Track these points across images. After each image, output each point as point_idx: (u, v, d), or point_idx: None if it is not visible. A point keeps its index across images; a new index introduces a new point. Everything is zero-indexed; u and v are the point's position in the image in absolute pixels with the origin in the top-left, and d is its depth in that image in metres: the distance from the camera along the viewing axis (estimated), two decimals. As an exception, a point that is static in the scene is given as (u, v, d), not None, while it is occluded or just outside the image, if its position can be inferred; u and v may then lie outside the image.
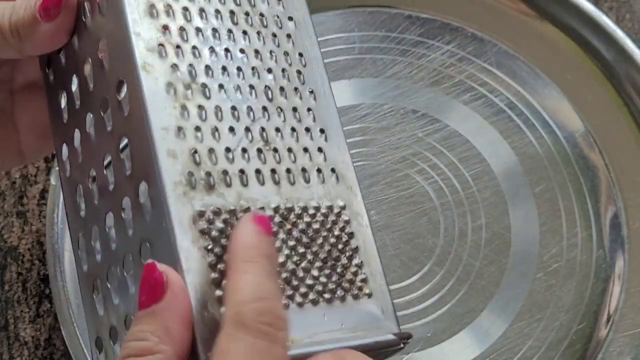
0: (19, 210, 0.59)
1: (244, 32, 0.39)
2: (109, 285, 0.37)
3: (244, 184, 0.36)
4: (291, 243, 0.36)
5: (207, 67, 0.37)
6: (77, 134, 0.39)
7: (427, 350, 0.54)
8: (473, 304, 0.55)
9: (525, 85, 0.60)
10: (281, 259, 0.36)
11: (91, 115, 0.38)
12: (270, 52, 0.39)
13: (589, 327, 0.54)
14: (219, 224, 0.35)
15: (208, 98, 0.37)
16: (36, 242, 0.59)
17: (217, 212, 0.35)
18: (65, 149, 0.41)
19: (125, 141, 0.36)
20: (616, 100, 0.59)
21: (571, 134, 0.59)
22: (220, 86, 0.37)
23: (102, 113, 0.37)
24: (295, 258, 0.36)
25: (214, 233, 0.34)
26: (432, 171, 0.58)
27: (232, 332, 0.32)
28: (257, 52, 0.39)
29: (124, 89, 0.36)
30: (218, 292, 0.34)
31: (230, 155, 0.36)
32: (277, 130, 0.38)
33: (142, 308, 0.33)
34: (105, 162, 0.38)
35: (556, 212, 0.57)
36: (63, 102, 0.41)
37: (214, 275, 0.34)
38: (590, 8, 0.60)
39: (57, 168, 0.42)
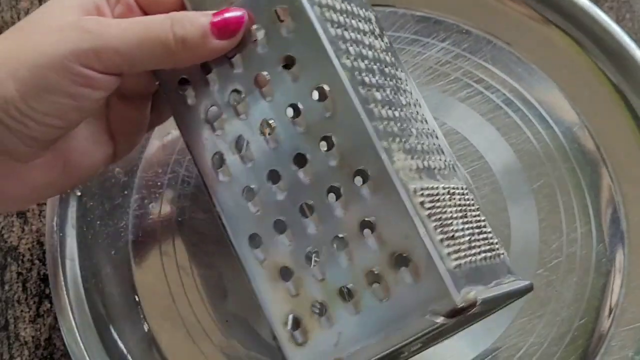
0: (19, 210, 0.60)
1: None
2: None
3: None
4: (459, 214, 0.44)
5: None
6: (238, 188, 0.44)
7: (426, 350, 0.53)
8: (473, 301, 0.55)
9: (522, 82, 0.59)
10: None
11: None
12: None
13: (590, 322, 0.54)
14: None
15: None
16: (36, 242, 0.59)
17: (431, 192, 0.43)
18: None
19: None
20: (614, 95, 0.58)
21: (569, 129, 0.58)
22: None
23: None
24: (467, 225, 0.44)
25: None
26: (431, 169, 0.58)
27: None
28: None
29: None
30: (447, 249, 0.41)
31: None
32: None
33: None
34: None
35: (555, 208, 0.56)
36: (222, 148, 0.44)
37: (440, 236, 0.40)
38: (590, 8, 0.60)
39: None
